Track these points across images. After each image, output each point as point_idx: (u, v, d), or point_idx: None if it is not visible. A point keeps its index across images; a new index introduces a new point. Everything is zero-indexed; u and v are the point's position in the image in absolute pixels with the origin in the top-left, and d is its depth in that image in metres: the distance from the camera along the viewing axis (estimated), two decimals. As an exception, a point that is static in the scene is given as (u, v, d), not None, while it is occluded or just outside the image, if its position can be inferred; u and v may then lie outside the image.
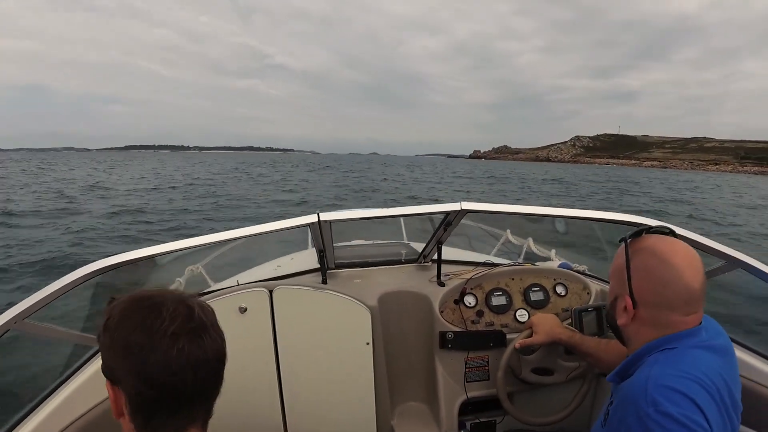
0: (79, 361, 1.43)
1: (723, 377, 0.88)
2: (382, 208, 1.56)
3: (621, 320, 0.99)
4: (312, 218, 1.47)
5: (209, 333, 0.72)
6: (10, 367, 3.24)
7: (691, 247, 0.96)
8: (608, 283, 1.91)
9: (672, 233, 1.00)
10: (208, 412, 0.75)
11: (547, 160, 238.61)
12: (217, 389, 0.75)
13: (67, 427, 1.25)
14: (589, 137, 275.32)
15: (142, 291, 0.74)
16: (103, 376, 1.15)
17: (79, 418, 1.28)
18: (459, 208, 1.51)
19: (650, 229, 1.00)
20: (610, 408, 0.96)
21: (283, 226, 1.44)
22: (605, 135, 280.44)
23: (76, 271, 1.20)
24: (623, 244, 0.99)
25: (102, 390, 1.32)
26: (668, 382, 0.83)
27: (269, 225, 1.43)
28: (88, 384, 1.33)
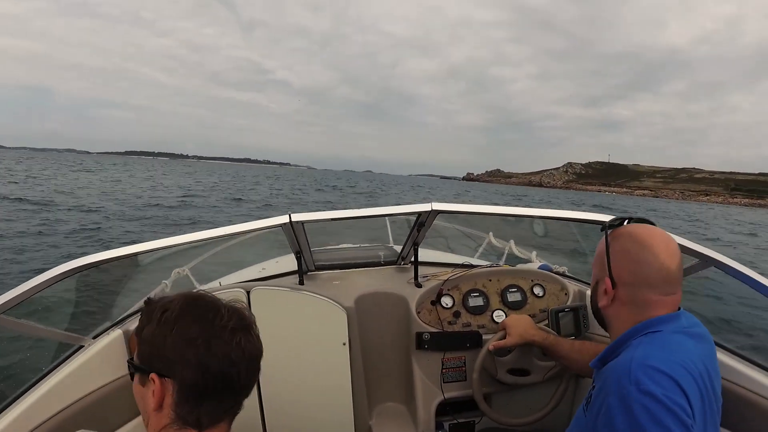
0: (59, 358, 1.40)
1: (705, 364, 0.88)
2: (355, 209, 1.58)
3: (602, 302, 1.02)
4: (284, 219, 1.49)
5: (255, 331, 0.81)
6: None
7: (668, 234, 1.00)
8: (587, 284, 1.93)
9: (650, 224, 1.04)
10: (240, 406, 0.80)
11: (540, 185, 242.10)
12: (255, 383, 0.81)
13: (44, 422, 1.23)
14: (581, 164, 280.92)
15: (193, 292, 0.81)
16: (77, 375, 1.13)
17: (55, 414, 1.26)
18: (430, 209, 1.55)
19: (631, 220, 1.04)
20: (592, 392, 0.96)
21: (255, 227, 1.47)
22: (597, 162, 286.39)
23: (56, 268, 1.19)
24: (604, 233, 1.04)
25: (79, 388, 1.33)
26: (653, 362, 0.82)
27: (242, 225, 1.45)
28: (66, 381, 1.31)
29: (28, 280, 1.16)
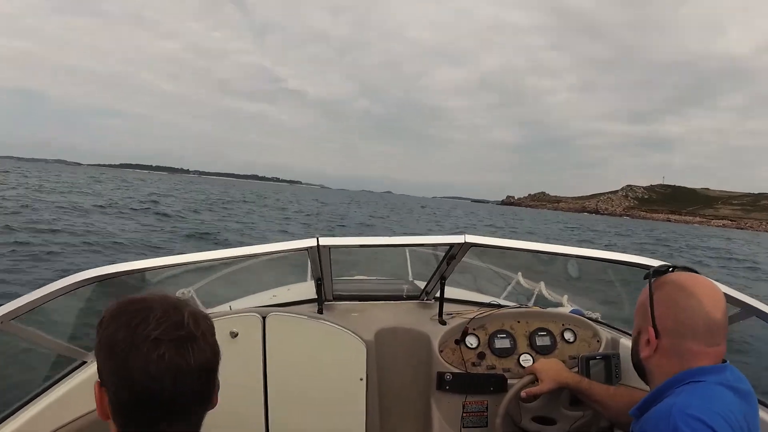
0: (59, 373, 1.50)
1: (746, 419, 0.94)
2: (383, 237, 1.66)
3: (644, 353, 1.07)
4: (311, 242, 1.56)
5: (197, 343, 0.75)
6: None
7: (714, 283, 1.06)
8: (621, 331, 1.97)
9: (694, 272, 1.10)
10: (190, 427, 0.77)
11: (596, 211, 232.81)
12: (202, 403, 0.78)
13: None
14: (643, 188, 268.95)
15: (138, 295, 0.79)
16: (80, 390, 1.14)
17: (59, 428, 1.37)
18: (463, 241, 1.59)
19: (675, 268, 1.10)
20: None
21: (281, 248, 1.56)
22: (660, 186, 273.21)
23: (68, 277, 1.29)
24: (648, 281, 1.10)
25: (80, 406, 1.41)
26: (692, 411, 0.89)
27: (267, 246, 1.54)
28: (68, 397, 1.41)
29: (39, 287, 1.24)
